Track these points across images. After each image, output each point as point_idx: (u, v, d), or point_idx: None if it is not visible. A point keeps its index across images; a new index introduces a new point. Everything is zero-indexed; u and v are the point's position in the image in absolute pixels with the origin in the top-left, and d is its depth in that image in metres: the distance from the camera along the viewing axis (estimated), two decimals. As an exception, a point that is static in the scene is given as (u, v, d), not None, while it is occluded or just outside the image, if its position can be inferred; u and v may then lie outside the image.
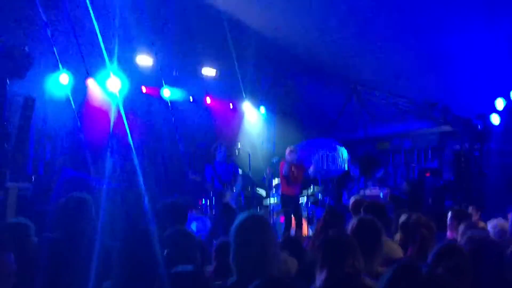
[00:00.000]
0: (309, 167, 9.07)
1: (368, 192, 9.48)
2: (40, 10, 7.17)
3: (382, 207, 4.66)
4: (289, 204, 8.69)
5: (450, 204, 9.27)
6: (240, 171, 9.62)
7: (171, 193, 9.14)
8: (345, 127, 11.94)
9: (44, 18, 7.30)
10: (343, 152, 11.87)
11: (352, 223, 3.46)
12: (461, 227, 4.22)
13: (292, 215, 8.71)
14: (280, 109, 11.87)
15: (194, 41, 9.32)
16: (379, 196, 9.23)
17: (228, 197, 8.39)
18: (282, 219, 9.14)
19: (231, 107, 11.18)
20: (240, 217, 2.72)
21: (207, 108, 10.50)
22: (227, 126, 10.75)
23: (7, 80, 5.43)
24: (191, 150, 10.10)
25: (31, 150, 7.90)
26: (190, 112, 10.34)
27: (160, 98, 9.92)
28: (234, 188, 8.51)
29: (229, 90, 10.82)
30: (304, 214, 9.47)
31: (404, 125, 11.42)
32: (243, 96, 11.05)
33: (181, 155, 9.79)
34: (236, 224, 2.70)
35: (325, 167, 11.81)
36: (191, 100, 10.42)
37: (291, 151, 8.84)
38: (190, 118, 10.31)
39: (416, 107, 10.45)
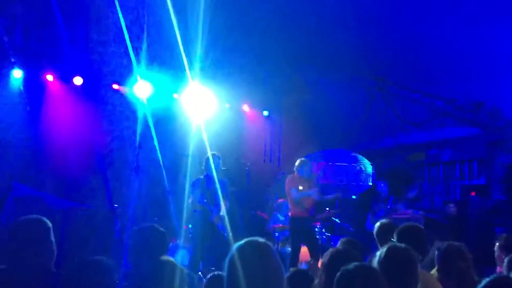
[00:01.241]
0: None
1: (397, 216, 9.11)
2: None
3: (420, 232, 4.62)
4: (299, 229, 8.58)
5: (501, 231, 9.01)
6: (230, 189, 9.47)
7: (150, 217, 9.18)
8: (368, 134, 11.90)
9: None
10: (367, 166, 11.70)
11: (380, 252, 3.44)
12: (506, 261, 4.22)
13: (302, 243, 8.62)
14: (288, 112, 11.79)
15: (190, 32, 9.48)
16: (411, 220, 8.63)
17: (219, 220, 8.39)
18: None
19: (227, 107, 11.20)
20: (237, 245, 2.70)
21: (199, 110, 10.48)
22: (221, 133, 10.55)
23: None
24: (176, 159, 10.05)
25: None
26: (175, 115, 10.39)
27: (128, 96, 9.89)
28: (224, 209, 8.45)
29: (225, 89, 10.84)
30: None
31: (443, 131, 11.23)
32: (241, 96, 11.16)
33: (164, 166, 9.77)
34: (231, 254, 2.67)
35: (344, 183, 11.60)
36: (176, 98, 10.45)
37: (302, 164, 8.68)
38: (173, 121, 10.39)
39: (458, 108, 10.55)
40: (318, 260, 7.82)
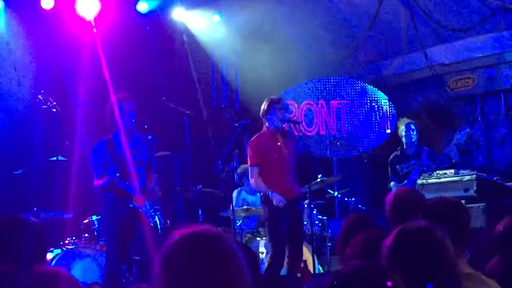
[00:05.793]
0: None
1: (432, 178, 9.31)
2: None
3: (457, 209, 4.71)
4: (279, 214, 8.84)
5: None
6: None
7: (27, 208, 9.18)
8: (381, 51, 12.42)
9: None
10: (382, 102, 12.09)
11: (389, 240, 3.58)
12: None
13: (283, 235, 8.90)
14: (251, 19, 11.94)
15: None
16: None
17: (144, 203, 8.60)
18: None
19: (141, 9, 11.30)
20: (175, 240, 2.86)
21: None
22: (132, 57, 10.77)
23: None
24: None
25: None
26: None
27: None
28: (152, 181, 8.67)
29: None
30: (306, 231, 9.52)
31: (504, 38, 11.23)
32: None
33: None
34: (164, 255, 2.81)
35: (346, 135, 12.08)
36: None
37: (274, 106, 8.91)
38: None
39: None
40: (300, 259, 8.81)
